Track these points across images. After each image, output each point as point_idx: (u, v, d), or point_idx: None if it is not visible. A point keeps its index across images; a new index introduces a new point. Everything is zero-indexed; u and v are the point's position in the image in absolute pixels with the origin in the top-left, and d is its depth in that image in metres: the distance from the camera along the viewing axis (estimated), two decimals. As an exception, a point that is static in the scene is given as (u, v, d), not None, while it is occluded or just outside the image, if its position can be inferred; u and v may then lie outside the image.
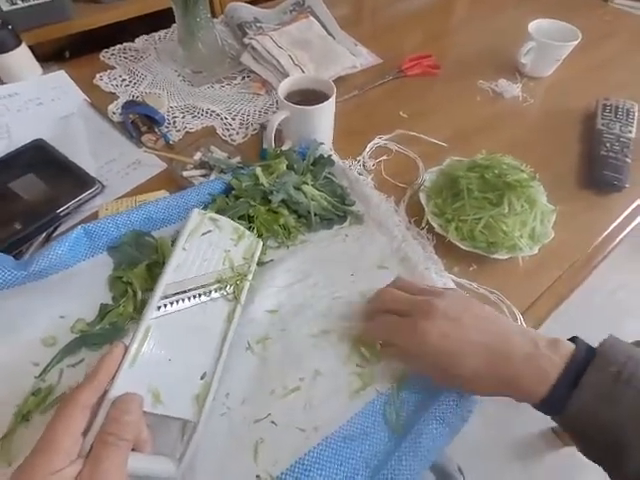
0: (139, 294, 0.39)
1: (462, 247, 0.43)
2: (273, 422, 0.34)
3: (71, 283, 0.40)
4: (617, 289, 1.29)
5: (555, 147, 0.59)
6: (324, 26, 0.74)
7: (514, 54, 0.69)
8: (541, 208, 0.44)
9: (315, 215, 0.45)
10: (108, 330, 0.37)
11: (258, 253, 0.42)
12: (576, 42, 0.64)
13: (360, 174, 0.52)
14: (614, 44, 0.79)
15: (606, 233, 0.49)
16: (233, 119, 0.61)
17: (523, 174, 0.43)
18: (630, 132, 0.57)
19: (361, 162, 0.54)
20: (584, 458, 0.29)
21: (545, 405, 0.29)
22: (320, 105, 0.48)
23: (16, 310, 0.37)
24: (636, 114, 0.59)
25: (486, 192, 0.43)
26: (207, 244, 0.38)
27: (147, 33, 0.76)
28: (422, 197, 0.47)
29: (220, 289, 0.37)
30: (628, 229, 0.50)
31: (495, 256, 0.42)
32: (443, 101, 0.66)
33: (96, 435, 0.25)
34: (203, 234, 0.38)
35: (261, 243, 0.42)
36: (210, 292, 0.36)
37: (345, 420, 0.34)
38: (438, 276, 0.42)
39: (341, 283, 0.42)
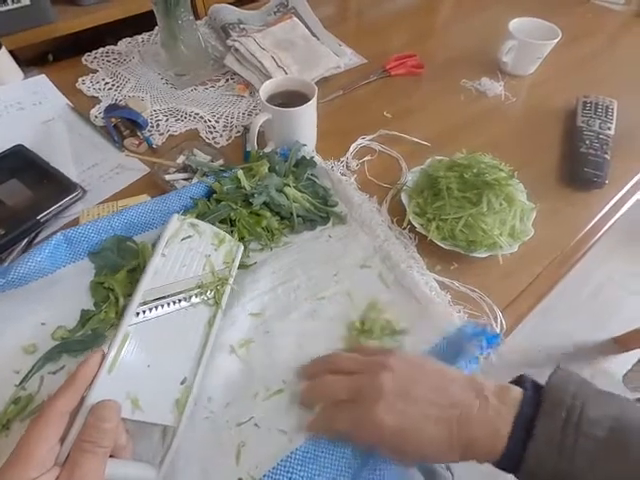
0: (121, 300, 0.38)
1: (443, 246, 0.43)
2: (256, 424, 0.34)
3: (52, 290, 0.39)
4: (603, 284, 1.31)
5: (536, 145, 0.59)
6: (308, 27, 0.74)
7: (496, 53, 0.69)
8: (520, 206, 0.44)
9: (298, 217, 0.46)
10: (89, 337, 0.37)
11: (239, 257, 0.42)
12: (556, 40, 0.65)
13: (343, 175, 0.52)
14: (594, 41, 0.80)
15: (586, 229, 0.50)
16: (217, 122, 0.61)
17: (501, 173, 0.43)
18: (609, 129, 0.58)
19: (344, 163, 0.55)
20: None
21: (504, 463, 0.27)
22: (301, 107, 0.48)
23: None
24: (615, 111, 0.60)
25: (465, 191, 0.43)
26: (187, 249, 0.38)
27: (130, 36, 0.75)
28: (404, 197, 0.48)
29: (201, 294, 0.37)
30: (608, 225, 0.51)
31: (475, 255, 0.42)
32: (427, 100, 0.66)
33: (73, 442, 0.25)
34: (183, 239, 0.38)
35: (242, 247, 0.42)
36: (190, 297, 0.36)
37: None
38: (420, 274, 0.42)
39: (324, 284, 0.42)
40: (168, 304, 0.35)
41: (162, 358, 0.32)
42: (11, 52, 0.62)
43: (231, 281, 0.39)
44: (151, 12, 0.64)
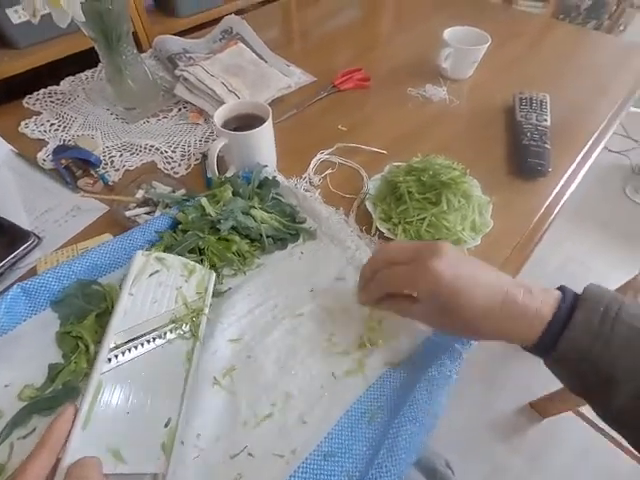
0: (91, 347, 0.36)
1: (412, 248, 0.45)
2: (250, 454, 0.33)
3: (13, 348, 0.37)
4: (566, 263, 1.39)
5: (483, 141, 0.63)
6: (254, 51, 0.75)
7: (435, 60, 0.74)
8: (477, 201, 0.47)
9: (267, 237, 0.46)
10: (61, 391, 0.35)
11: (212, 285, 0.41)
12: (487, 45, 0.70)
13: (307, 190, 0.53)
14: (521, 42, 0.87)
15: (539, 215, 0.53)
16: (173, 152, 0.60)
17: (455, 172, 0.45)
18: (546, 120, 0.63)
19: (307, 179, 0.55)
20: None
21: (539, 345, 0.30)
22: (257, 129, 0.48)
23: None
24: (548, 104, 0.65)
25: (425, 193, 0.45)
26: (156, 285, 0.37)
27: (73, 74, 0.73)
28: (368, 205, 0.49)
29: (176, 329, 0.36)
30: (557, 208, 0.55)
31: (442, 252, 0.44)
32: (378, 111, 0.69)
33: None
34: (151, 275, 0.37)
35: (214, 275, 0.42)
36: (165, 334, 0.35)
37: (322, 437, 0.34)
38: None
39: (301, 300, 0.42)
40: (142, 344, 0.33)
41: (142, 403, 0.31)
42: (-57, 102, 0.59)
43: (206, 311, 0.39)
44: (91, 49, 0.63)
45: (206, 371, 0.37)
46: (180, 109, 0.68)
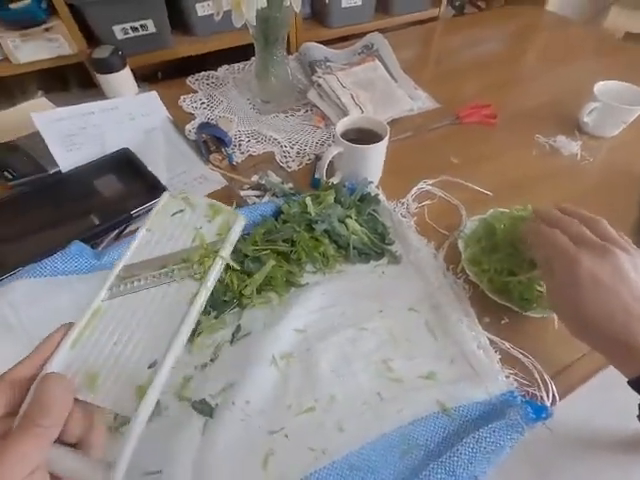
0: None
1: (496, 299, 0.43)
2: (286, 435, 0.35)
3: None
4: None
5: (612, 208, 0.55)
6: (387, 69, 0.78)
7: (575, 112, 0.68)
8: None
9: (354, 248, 0.48)
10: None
11: (237, 228, 0.36)
12: (645, 106, 0.63)
13: (404, 216, 0.54)
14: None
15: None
16: (291, 147, 0.66)
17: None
18: (698, 205, 0.54)
19: (405, 204, 0.56)
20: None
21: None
22: (372, 145, 0.51)
23: (83, 294, 0.41)
24: None
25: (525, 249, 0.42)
26: (176, 223, 0.36)
27: (229, 63, 0.85)
28: (460, 243, 0.48)
29: (187, 268, 0.33)
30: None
31: (528, 314, 0.42)
32: (497, 151, 0.66)
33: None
34: (174, 214, 0.36)
35: (242, 218, 0.37)
36: (173, 272, 0.32)
37: (354, 449, 0.35)
38: (469, 330, 0.42)
39: (368, 317, 0.43)
40: (146, 278, 0.32)
41: (133, 337, 0.29)
42: (131, 69, 0.74)
43: (223, 253, 0.34)
44: (249, 45, 0.72)
45: (268, 350, 0.40)
46: (307, 110, 0.74)
